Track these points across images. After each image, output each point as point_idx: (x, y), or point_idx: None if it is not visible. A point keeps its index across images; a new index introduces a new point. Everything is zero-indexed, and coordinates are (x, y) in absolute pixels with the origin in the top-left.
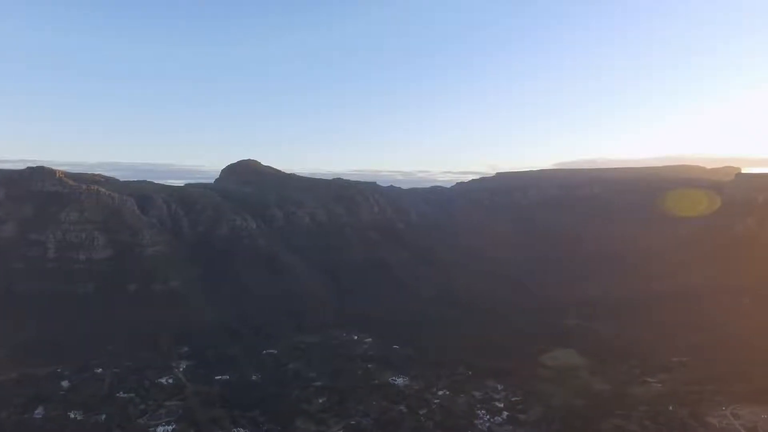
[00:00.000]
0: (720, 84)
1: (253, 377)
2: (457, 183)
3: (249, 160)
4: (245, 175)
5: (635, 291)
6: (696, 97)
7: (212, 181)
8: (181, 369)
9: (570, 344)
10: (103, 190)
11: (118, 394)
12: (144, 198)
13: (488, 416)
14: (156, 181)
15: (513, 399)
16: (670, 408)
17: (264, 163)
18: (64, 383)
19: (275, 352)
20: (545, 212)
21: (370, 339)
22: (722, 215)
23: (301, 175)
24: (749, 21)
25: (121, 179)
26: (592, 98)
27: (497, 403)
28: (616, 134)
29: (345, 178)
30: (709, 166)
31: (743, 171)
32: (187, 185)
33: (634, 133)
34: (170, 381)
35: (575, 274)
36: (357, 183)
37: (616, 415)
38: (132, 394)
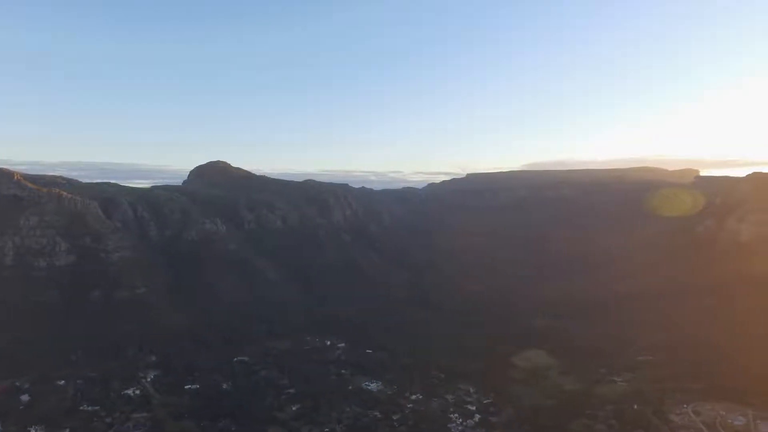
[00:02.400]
0: (681, 88)
1: (224, 386)
2: (428, 184)
3: (218, 161)
4: (214, 177)
5: (601, 291)
6: (659, 100)
7: (179, 181)
8: (148, 379)
9: (540, 345)
10: (64, 193)
11: (81, 407)
12: (108, 201)
13: (461, 419)
14: (120, 183)
15: (485, 401)
16: (635, 407)
17: (233, 164)
18: (24, 397)
19: (246, 359)
20: (515, 213)
21: (343, 344)
22: (681, 217)
23: (271, 176)
24: (709, 29)
25: (84, 180)
26: (560, 101)
27: (469, 406)
28: (583, 136)
29: (316, 178)
30: (670, 168)
31: (701, 173)
32: (154, 187)
33: (601, 135)
34: (137, 392)
35: (544, 274)
36: (329, 184)
37: (584, 414)
38: (97, 407)
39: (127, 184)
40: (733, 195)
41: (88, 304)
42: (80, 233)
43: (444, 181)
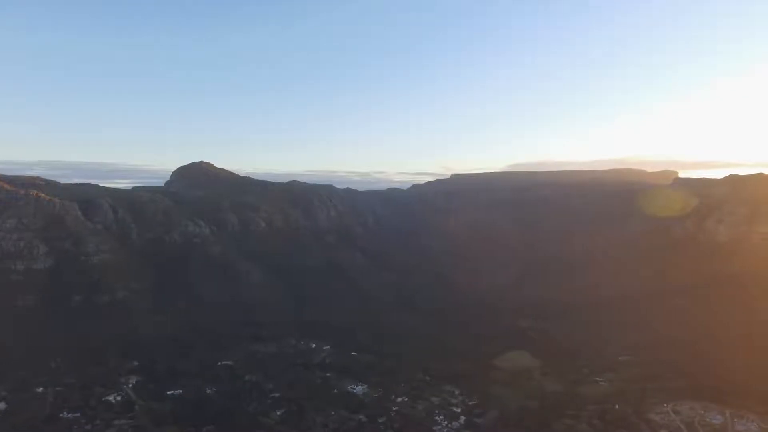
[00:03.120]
0: (661, 89)
1: (208, 391)
2: (413, 185)
3: (201, 162)
4: (197, 178)
5: (582, 292)
6: (639, 101)
7: (161, 182)
8: (130, 385)
9: (523, 346)
10: (43, 195)
11: (61, 415)
12: (88, 203)
13: (446, 422)
14: (101, 183)
15: (470, 403)
16: (617, 407)
17: (216, 164)
18: (1, 405)
19: (231, 363)
20: (498, 214)
21: (328, 347)
22: (661, 218)
23: (255, 177)
24: (687, 30)
25: (63, 180)
26: (542, 102)
27: (455, 408)
28: (565, 137)
29: (300, 178)
30: (650, 170)
31: (680, 175)
32: (135, 188)
33: (582, 136)
34: (119, 398)
35: (526, 276)
36: (314, 186)
37: (567, 415)
38: (77, 414)
39: (107, 185)
40: (711, 197)
41: (68, 309)
42: (59, 236)
43: (428, 182)
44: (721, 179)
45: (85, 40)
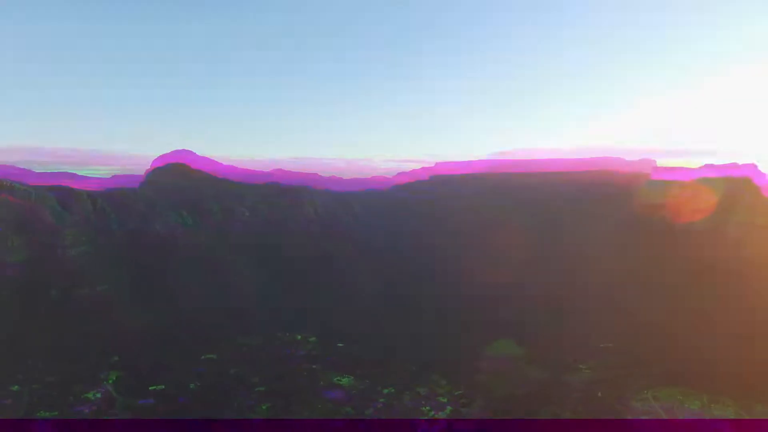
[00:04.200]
0: (643, 79)
1: (191, 385)
2: (398, 172)
3: (183, 150)
4: (179, 168)
5: (564, 280)
6: (622, 91)
7: (141, 169)
8: (110, 381)
9: (508, 335)
10: (17, 184)
11: (39, 414)
12: (65, 193)
13: (433, 412)
14: (78, 171)
15: (456, 393)
16: (599, 394)
17: (199, 152)
18: None
19: (215, 356)
20: (483, 201)
21: (314, 338)
22: (639, 208)
23: (239, 165)
24: (668, 21)
25: (38, 169)
26: (527, 90)
27: (441, 398)
28: (547, 125)
29: (285, 165)
30: (629, 158)
31: (658, 163)
32: (115, 177)
33: (567, 124)
34: (98, 395)
35: (511, 264)
36: (298, 174)
37: (552, 403)
38: (55, 413)
39: (85, 172)
40: (688, 186)
41: (45, 304)
42: (35, 228)
43: (414, 170)
44: (697, 168)
45: (63, 26)
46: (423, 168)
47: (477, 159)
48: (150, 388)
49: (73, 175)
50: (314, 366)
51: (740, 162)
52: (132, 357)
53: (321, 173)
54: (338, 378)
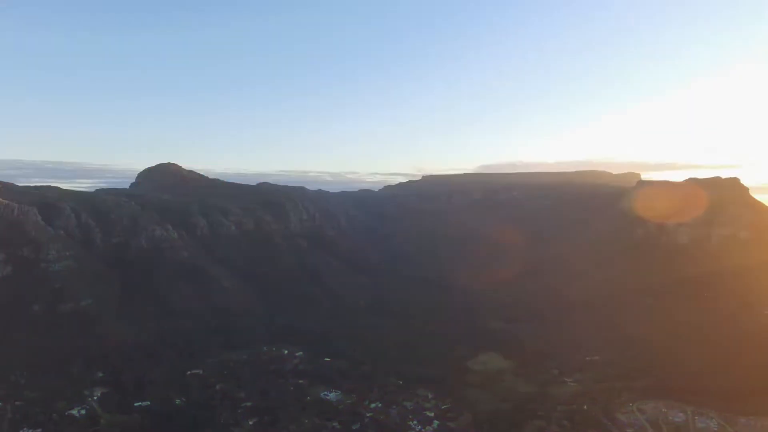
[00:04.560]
0: (624, 92)
1: (177, 401)
2: (385, 186)
3: (169, 163)
4: (164, 180)
5: (549, 294)
6: (605, 104)
7: (126, 183)
8: (95, 397)
9: (495, 348)
10: (0, 198)
11: (21, 431)
12: (49, 206)
13: (420, 427)
14: (62, 185)
15: (443, 407)
16: (585, 407)
17: (185, 165)
18: None
19: (201, 372)
20: (469, 216)
21: (301, 353)
22: (624, 220)
23: (225, 178)
24: (654, 31)
25: (20, 183)
26: (512, 103)
27: (428, 413)
28: (534, 138)
29: (272, 179)
30: (615, 172)
31: (643, 176)
32: (99, 191)
33: (551, 137)
34: (83, 412)
35: (497, 278)
36: (285, 188)
37: (538, 416)
38: (38, 430)
39: (69, 186)
40: (672, 199)
41: (29, 319)
42: (18, 242)
43: (400, 183)
44: (681, 182)
45: (44, 36)
46: (409, 181)
47: (463, 172)
48: (135, 404)
49: (56, 189)
50: (301, 381)
51: (723, 176)
52: (117, 372)
53: (307, 186)
54: (325, 392)
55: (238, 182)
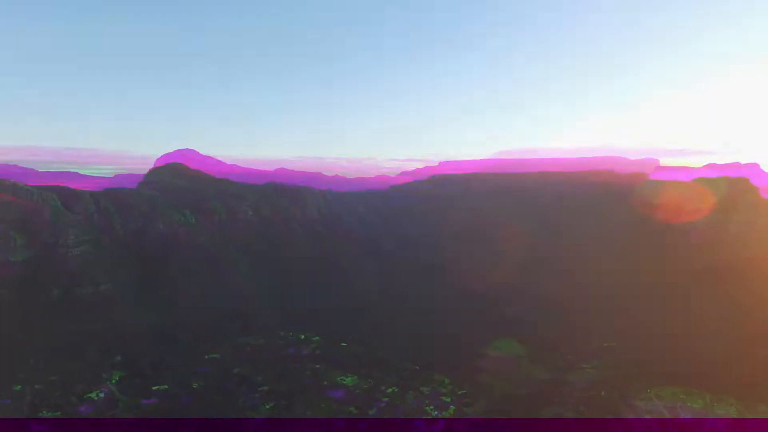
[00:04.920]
0: (643, 81)
1: (194, 385)
2: (401, 172)
3: (186, 149)
4: (182, 166)
5: (564, 281)
6: (622, 91)
7: (144, 168)
8: (113, 381)
9: (510, 334)
10: (20, 183)
11: (40, 414)
12: (68, 192)
13: (437, 412)
14: (81, 170)
15: (459, 392)
16: (602, 393)
17: (202, 151)
18: None
19: (218, 356)
20: (486, 203)
21: (318, 338)
22: (641, 208)
23: (242, 164)
24: (678, 22)
25: (41, 169)
26: (528, 91)
27: (444, 398)
28: (550, 125)
29: (289, 164)
30: (631, 158)
31: (661, 163)
32: (118, 176)
33: (568, 123)
34: (101, 395)
35: (513, 264)
36: (302, 173)
37: (554, 402)
38: (57, 413)
39: (87, 172)
40: (689, 186)
41: (47, 303)
42: (37, 227)
43: (417, 169)
44: (699, 168)
45: (65, 26)
46: (426, 167)
47: (480, 158)
48: (153, 387)
49: (75, 175)
50: (317, 365)
51: (743, 161)
52: (135, 356)
53: (324, 172)
54: (341, 377)
55: (256, 167)
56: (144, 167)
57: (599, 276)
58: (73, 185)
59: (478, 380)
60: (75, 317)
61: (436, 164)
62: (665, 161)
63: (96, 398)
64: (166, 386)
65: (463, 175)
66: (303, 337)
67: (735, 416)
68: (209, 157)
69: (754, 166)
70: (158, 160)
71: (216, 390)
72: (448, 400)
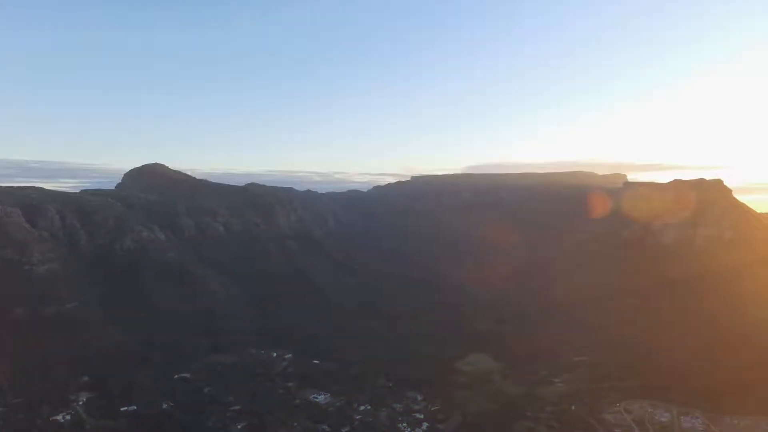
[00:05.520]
0: (609, 93)
1: (164, 405)
2: (374, 186)
3: (155, 163)
4: (151, 181)
5: (537, 294)
6: (592, 105)
7: (112, 183)
8: (80, 402)
9: (484, 348)
10: None
11: None
12: (33, 208)
13: (409, 429)
14: (46, 185)
15: (432, 409)
16: (573, 407)
17: (171, 165)
18: None
19: (188, 376)
20: (458, 217)
21: (290, 355)
22: (611, 221)
23: (213, 179)
24: (638, 32)
25: (3, 182)
26: (498, 102)
27: (417, 415)
28: (520, 139)
29: (260, 179)
30: (601, 173)
31: (629, 177)
32: (84, 191)
33: (538, 137)
34: (68, 417)
35: (485, 279)
36: (273, 189)
37: (526, 417)
38: None
39: (53, 186)
40: (657, 200)
41: (11, 323)
42: (1, 244)
43: (389, 184)
44: (666, 184)
45: (29, 34)
46: (398, 182)
47: (452, 173)
48: (121, 409)
49: (40, 189)
50: (290, 383)
51: (708, 177)
52: (102, 377)
53: (296, 186)
54: (315, 395)
55: (226, 182)
56: (112, 181)
57: (571, 290)
58: (37, 200)
59: (452, 396)
60: (40, 337)
61: (408, 178)
62: (633, 176)
63: (62, 420)
64: (135, 407)
65: (436, 189)
66: (275, 354)
67: (701, 429)
68: (179, 171)
69: (719, 183)
70: (126, 174)
71: (186, 410)
72: (422, 416)
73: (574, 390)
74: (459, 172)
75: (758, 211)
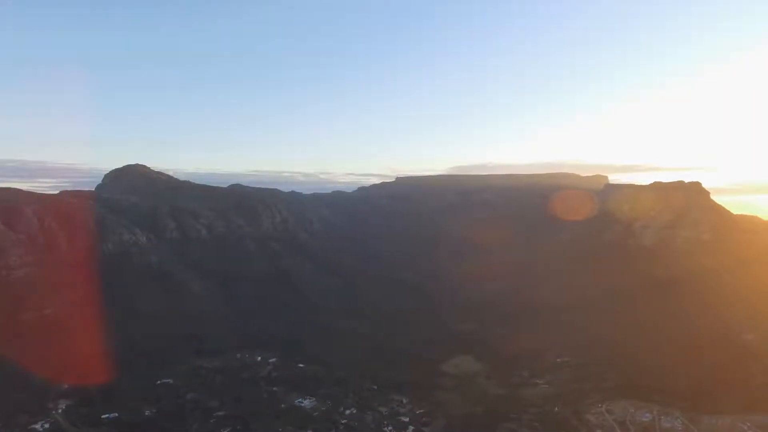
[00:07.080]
0: (591, 95)
1: (147, 412)
2: (359, 188)
3: (137, 164)
4: (132, 182)
5: (519, 295)
6: (575, 107)
7: (91, 182)
8: (60, 410)
9: (467, 350)
10: None
11: None
12: (10, 210)
13: None
14: (23, 185)
15: (417, 411)
16: (556, 409)
17: (153, 166)
18: None
19: (171, 381)
20: (442, 218)
21: (274, 359)
22: (592, 223)
23: (196, 180)
24: (619, 34)
25: None
26: (482, 105)
27: (402, 418)
28: (504, 140)
29: (244, 180)
30: (583, 174)
31: (611, 179)
32: (63, 192)
33: (522, 138)
34: (47, 426)
35: (469, 280)
36: (257, 190)
37: (510, 419)
38: None
39: (31, 187)
40: (638, 202)
41: None
42: None
43: (374, 184)
44: (647, 185)
45: (7, 31)
46: (383, 183)
47: (436, 174)
48: (103, 416)
49: (17, 191)
50: (274, 388)
51: (686, 180)
52: (83, 383)
53: (280, 187)
54: (299, 399)
55: (210, 184)
56: (92, 182)
57: (554, 292)
58: (14, 201)
59: (436, 398)
60: (18, 343)
61: (393, 179)
62: (614, 178)
63: (41, 429)
64: (117, 414)
65: (421, 190)
66: (259, 358)
67: (681, 429)
68: (161, 172)
69: (697, 184)
70: (107, 175)
71: (170, 417)
72: (407, 419)
73: (557, 391)
74: (443, 173)
75: (734, 212)
